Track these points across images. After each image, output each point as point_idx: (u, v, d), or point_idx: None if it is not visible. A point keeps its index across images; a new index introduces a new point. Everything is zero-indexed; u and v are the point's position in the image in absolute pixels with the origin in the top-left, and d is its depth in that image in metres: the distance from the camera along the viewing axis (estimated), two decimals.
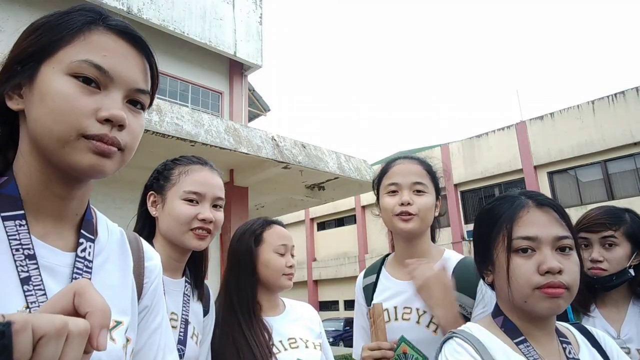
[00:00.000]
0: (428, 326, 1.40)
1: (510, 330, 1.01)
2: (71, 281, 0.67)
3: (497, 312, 1.07)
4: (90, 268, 0.72)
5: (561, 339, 1.03)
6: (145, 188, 1.41)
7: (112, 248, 0.79)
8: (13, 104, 0.69)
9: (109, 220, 0.84)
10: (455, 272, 1.41)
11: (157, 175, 1.40)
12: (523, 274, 0.97)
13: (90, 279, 0.70)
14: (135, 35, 0.73)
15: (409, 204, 1.41)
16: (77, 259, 0.70)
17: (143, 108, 0.75)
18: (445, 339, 1.05)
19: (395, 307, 1.46)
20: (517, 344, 0.98)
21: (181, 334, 1.26)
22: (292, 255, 1.59)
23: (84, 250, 0.72)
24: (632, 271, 1.52)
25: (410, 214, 1.41)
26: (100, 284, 0.72)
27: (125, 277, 0.79)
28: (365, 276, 1.66)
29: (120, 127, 0.68)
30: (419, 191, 1.44)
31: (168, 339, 0.88)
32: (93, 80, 0.67)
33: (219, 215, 1.35)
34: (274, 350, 1.43)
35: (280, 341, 1.47)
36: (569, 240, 0.98)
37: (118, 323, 0.72)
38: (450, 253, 1.53)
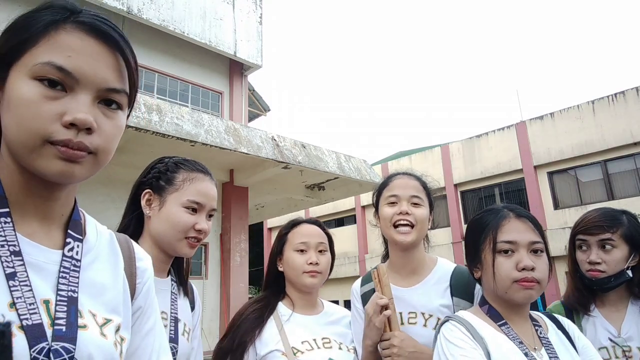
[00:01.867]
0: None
1: (494, 316, 1.24)
2: (58, 279, 0.67)
3: (482, 302, 1.30)
4: (78, 267, 0.71)
5: (534, 322, 1.27)
6: (139, 184, 1.39)
7: (101, 248, 0.78)
8: None
9: (98, 223, 0.84)
10: (452, 279, 1.55)
11: (158, 174, 1.37)
12: (505, 270, 1.20)
13: (78, 277, 0.70)
14: (106, 32, 0.68)
15: (407, 213, 1.52)
16: (64, 258, 0.70)
17: (121, 107, 0.71)
18: (442, 322, 1.26)
19: (400, 313, 1.50)
20: (500, 325, 1.22)
21: (172, 332, 1.27)
22: (322, 252, 1.62)
23: (71, 249, 0.71)
24: (630, 272, 1.53)
25: (409, 223, 1.51)
26: (88, 283, 0.72)
27: (116, 276, 0.78)
28: (362, 284, 1.70)
29: (88, 130, 0.65)
30: (416, 204, 1.56)
31: (162, 341, 0.87)
32: (58, 82, 0.63)
33: (210, 225, 1.40)
34: (307, 347, 1.48)
35: (314, 339, 1.51)
36: (540, 244, 1.22)
37: (108, 321, 0.71)
38: (443, 261, 1.63)
